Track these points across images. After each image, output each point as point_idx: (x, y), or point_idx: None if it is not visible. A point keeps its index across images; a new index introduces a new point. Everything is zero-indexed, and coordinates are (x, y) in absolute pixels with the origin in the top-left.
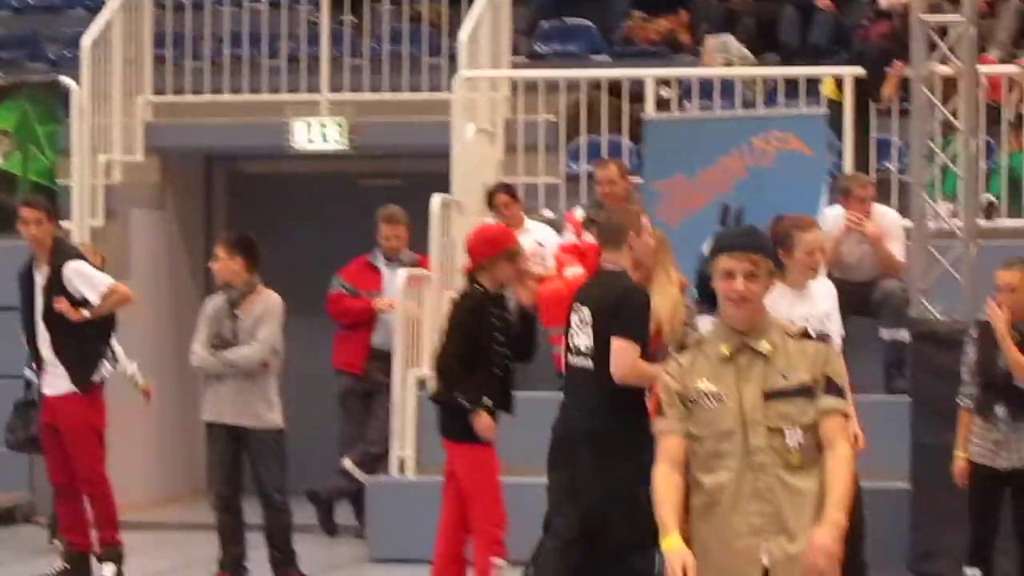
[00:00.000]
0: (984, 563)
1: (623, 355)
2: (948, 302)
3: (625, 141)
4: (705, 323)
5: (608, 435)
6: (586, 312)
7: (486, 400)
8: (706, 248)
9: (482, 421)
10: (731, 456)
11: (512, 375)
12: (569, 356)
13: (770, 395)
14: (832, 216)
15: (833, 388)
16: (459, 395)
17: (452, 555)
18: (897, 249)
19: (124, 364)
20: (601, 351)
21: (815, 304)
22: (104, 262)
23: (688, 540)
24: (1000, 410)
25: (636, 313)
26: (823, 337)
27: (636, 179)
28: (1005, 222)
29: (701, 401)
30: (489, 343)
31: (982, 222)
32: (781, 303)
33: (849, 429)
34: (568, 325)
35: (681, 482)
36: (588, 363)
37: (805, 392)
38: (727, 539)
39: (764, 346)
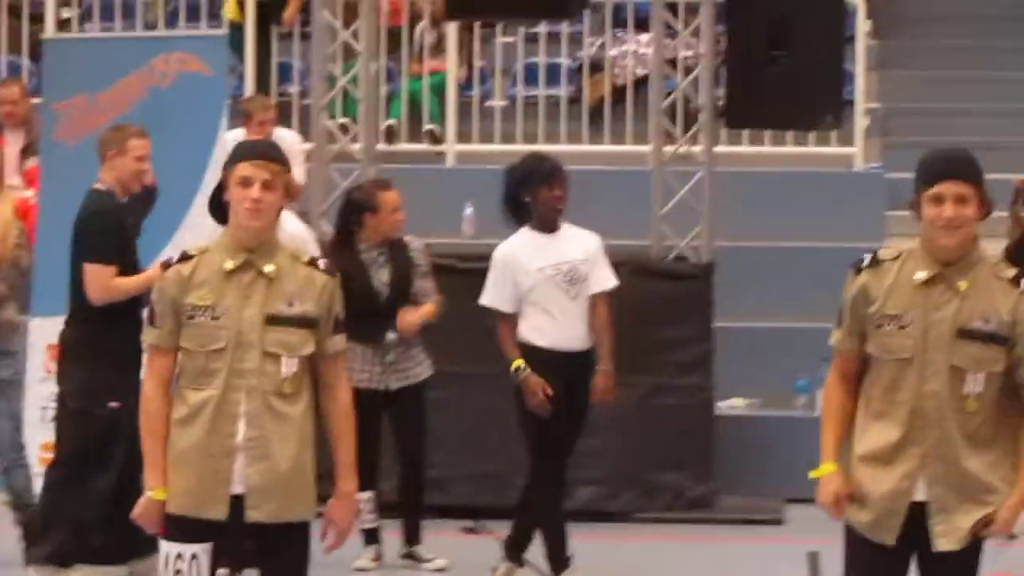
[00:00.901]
0: (372, 486)
1: (92, 279)
2: None
3: (25, 61)
4: None
5: (80, 344)
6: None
7: None
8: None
9: None
10: (219, 374)
11: None
12: None
13: (271, 319)
14: (231, 139)
15: (340, 327)
16: None
17: None
18: (298, 172)
19: None
20: (74, 268)
21: None
22: None
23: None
24: (390, 335)
25: (101, 232)
26: (330, 271)
27: (36, 100)
28: (404, 146)
29: (196, 316)
30: None
31: (382, 146)
32: None
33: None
34: None
35: (166, 405)
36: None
37: (308, 323)
38: (202, 459)
39: (270, 267)
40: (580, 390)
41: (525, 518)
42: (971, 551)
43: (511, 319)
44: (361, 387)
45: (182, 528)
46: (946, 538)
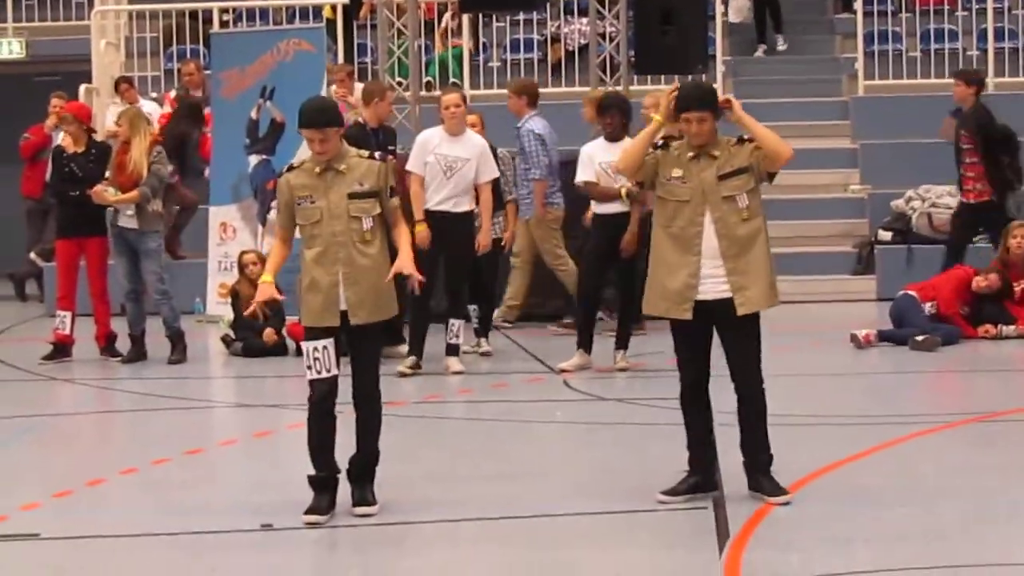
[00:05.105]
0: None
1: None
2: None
3: (202, 48)
4: None
5: None
6: None
7: None
8: (254, 114)
9: None
10: (320, 237)
11: None
12: None
13: (351, 195)
14: (331, 92)
15: (394, 192)
16: None
17: None
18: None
19: None
20: None
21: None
22: None
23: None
24: None
25: None
26: (383, 157)
27: (207, 71)
28: (436, 93)
29: (303, 203)
30: None
31: (423, 92)
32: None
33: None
34: None
35: (284, 251)
36: None
37: (373, 194)
38: (322, 287)
39: (344, 165)
40: (620, 234)
41: (626, 318)
42: None
43: (594, 183)
44: None
45: (315, 333)
46: None
